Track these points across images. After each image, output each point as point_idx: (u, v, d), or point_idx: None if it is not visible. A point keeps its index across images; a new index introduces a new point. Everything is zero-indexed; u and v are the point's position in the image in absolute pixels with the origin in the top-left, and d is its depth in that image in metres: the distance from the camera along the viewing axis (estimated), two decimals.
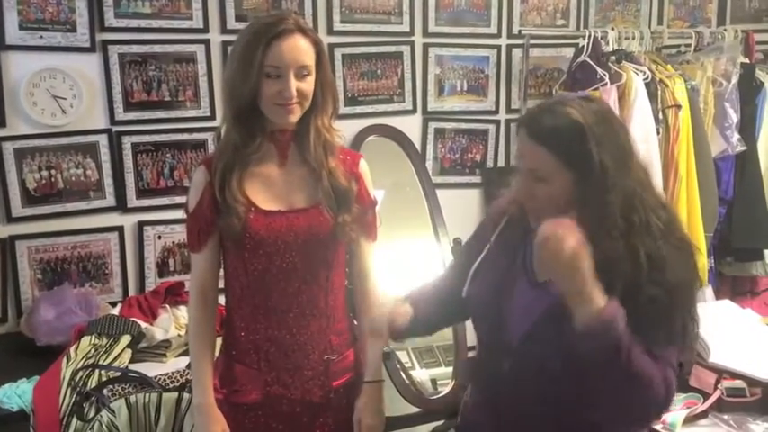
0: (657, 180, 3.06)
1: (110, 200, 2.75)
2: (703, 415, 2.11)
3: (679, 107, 3.06)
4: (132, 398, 1.93)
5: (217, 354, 1.79)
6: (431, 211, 3.27)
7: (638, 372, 1.30)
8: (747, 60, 3.33)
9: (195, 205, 1.70)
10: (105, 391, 2.08)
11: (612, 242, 1.34)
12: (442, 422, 2.25)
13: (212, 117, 2.81)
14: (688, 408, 2.11)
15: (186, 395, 1.98)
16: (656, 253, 1.36)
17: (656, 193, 1.49)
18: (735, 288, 3.41)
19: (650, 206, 1.41)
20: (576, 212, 1.36)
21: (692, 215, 3.15)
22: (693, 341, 1.51)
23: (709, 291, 2.91)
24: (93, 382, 2.10)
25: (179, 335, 2.42)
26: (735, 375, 2.12)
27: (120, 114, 2.73)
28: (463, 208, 3.37)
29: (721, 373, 2.14)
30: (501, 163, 3.41)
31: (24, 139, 2.61)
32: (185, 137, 2.82)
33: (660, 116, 3.08)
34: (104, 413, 1.91)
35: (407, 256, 3.11)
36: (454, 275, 1.69)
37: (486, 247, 1.58)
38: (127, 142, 2.75)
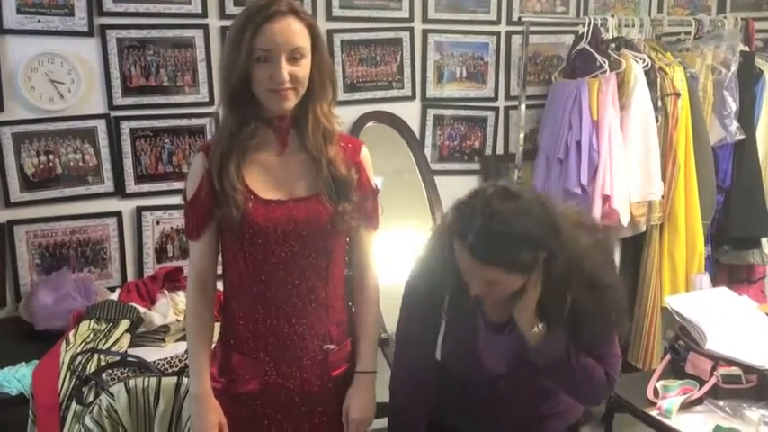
0: (655, 168, 3.07)
1: (108, 185, 2.75)
2: (699, 401, 2.12)
3: (678, 95, 3.06)
4: (131, 382, 1.94)
5: (215, 341, 1.78)
6: (429, 198, 3.28)
7: (583, 371, 1.63)
8: (747, 48, 3.33)
9: (193, 193, 1.67)
10: (104, 375, 2.09)
11: (561, 299, 1.56)
12: None
13: (211, 102, 2.81)
14: (684, 394, 2.12)
15: (185, 380, 1.98)
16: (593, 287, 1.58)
17: (581, 222, 1.68)
18: (732, 276, 3.43)
19: (581, 253, 1.56)
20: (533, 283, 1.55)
21: (690, 203, 3.16)
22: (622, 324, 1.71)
23: (705, 278, 2.93)
24: (92, 367, 2.11)
25: (177, 320, 2.42)
26: (731, 362, 2.12)
27: (119, 99, 2.72)
28: (462, 195, 3.36)
29: (717, 360, 2.15)
30: (500, 150, 3.41)
31: (22, 123, 2.60)
32: (184, 122, 2.82)
33: (659, 104, 3.08)
34: (104, 397, 1.92)
35: (405, 243, 3.11)
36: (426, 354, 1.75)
37: (443, 322, 1.69)
38: (125, 127, 2.74)
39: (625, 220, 3.04)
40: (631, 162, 3.03)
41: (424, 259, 1.72)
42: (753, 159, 3.32)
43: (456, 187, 3.31)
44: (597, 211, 3.00)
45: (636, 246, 3.23)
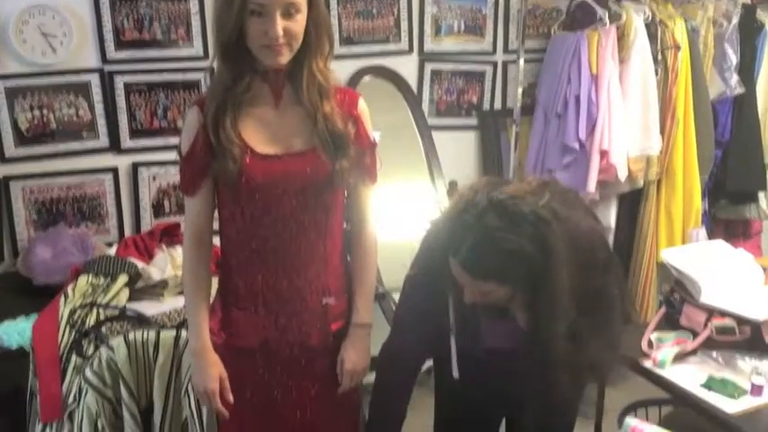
0: (654, 122, 3.05)
1: (103, 140, 2.73)
2: (693, 353, 2.14)
3: (678, 48, 3.03)
4: (131, 335, 1.95)
5: (213, 295, 1.79)
6: (426, 154, 3.26)
7: None
8: (749, 1, 3.28)
9: (189, 147, 1.65)
10: (104, 329, 2.10)
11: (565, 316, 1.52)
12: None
13: (205, 56, 2.77)
14: (678, 346, 2.15)
15: (184, 333, 2.00)
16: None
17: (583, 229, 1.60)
18: (728, 231, 3.44)
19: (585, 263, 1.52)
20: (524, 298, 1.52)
21: (688, 158, 3.16)
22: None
23: (702, 231, 2.94)
24: (91, 321, 2.13)
25: (176, 275, 2.43)
26: (725, 314, 2.14)
27: (112, 53, 2.68)
28: (459, 150, 3.36)
29: (712, 312, 2.16)
30: (497, 105, 3.39)
31: (15, 78, 2.57)
32: (179, 77, 2.79)
33: (659, 57, 3.04)
34: (103, 350, 1.94)
35: (403, 198, 3.11)
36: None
37: (452, 335, 1.70)
38: (119, 82, 2.71)
39: (622, 176, 3.03)
40: (630, 116, 3.01)
41: (424, 261, 1.70)
42: (752, 114, 3.30)
43: (453, 143, 3.35)
44: (595, 165, 2.99)
45: (633, 201, 3.23)
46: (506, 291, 1.51)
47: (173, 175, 2.80)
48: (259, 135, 1.65)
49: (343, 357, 1.75)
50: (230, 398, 1.71)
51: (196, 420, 1.96)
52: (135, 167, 2.79)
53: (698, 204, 3.16)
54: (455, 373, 1.69)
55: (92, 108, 2.69)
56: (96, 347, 2.00)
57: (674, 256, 2.38)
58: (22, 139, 2.61)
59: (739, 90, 3.21)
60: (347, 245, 1.81)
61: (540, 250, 1.43)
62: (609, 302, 1.64)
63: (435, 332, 1.72)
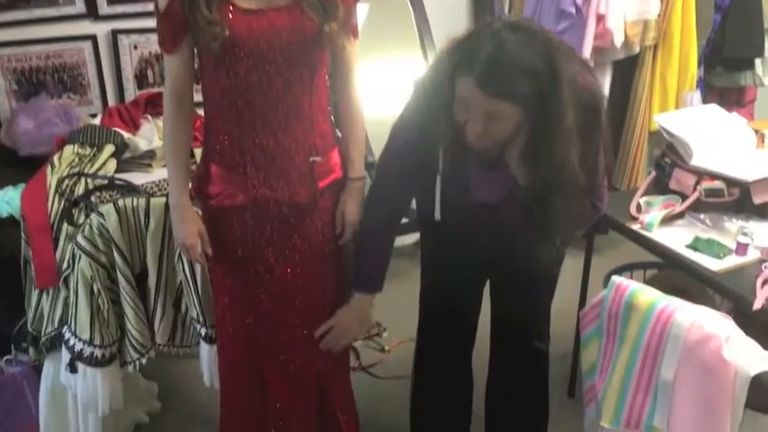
0: None
1: (80, 6, 2.62)
2: (680, 215, 2.17)
3: None
4: (120, 202, 1.94)
5: (198, 160, 1.79)
6: (418, 26, 3.17)
7: None
8: None
9: (166, 2, 1.59)
10: (93, 198, 2.09)
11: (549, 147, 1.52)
12: None
13: None
14: (666, 209, 2.17)
15: None
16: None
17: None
18: (722, 99, 3.39)
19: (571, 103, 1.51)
20: (524, 132, 1.52)
21: (687, 22, 3.07)
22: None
23: (696, 95, 2.90)
24: (79, 190, 2.11)
25: (163, 145, 2.39)
26: (714, 177, 2.15)
27: None
28: (451, 21, 3.25)
29: (701, 174, 2.17)
30: None
31: None
32: None
33: None
34: (94, 217, 1.93)
35: (393, 73, 3.04)
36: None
37: (438, 177, 1.68)
38: None
39: (619, 41, 2.96)
40: None
41: (414, 108, 1.69)
42: None
43: (445, 13, 3.23)
44: (591, 31, 2.90)
45: (627, 69, 3.17)
46: (515, 114, 1.47)
47: (154, 44, 2.70)
48: None
49: (345, 210, 1.80)
50: (209, 251, 1.77)
51: (191, 284, 1.99)
52: (114, 35, 2.69)
53: (693, 70, 3.11)
54: (437, 215, 1.71)
55: None
56: (87, 215, 2.00)
57: (667, 119, 2.36)
58: None
59: None
60: (332, 102, 1.80)
61: (549, 69, 1.44)
62: (597, 148, 1.65)
63: (421, 176, 1.72)
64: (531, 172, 1.56)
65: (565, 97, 1.47)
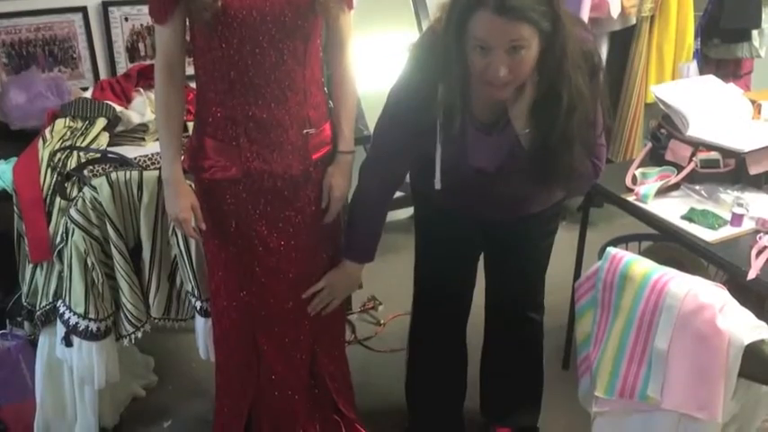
0: None
1: None
2: (676, 187, 2.16)
3: None
4: (113, 175, 1.93)
5: (191, 133, 1.77)
6: (413, 1, 3.13)
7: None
8: None
9: None
10: (85, 171, 2.08)
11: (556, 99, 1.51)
12: None
13: None
14: (662, 180, 2.16)
15: None
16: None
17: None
18: (719, 72, 3.35)
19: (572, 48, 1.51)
20: (531, 83, 1.51)
21: None
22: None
23: (693, 65, 2.88)
24: (72, 164, 2.09)
25: (155, 118, 2.37)
26: (710, 147, 2.14)
27: None
28: None
29: (697, 145, 2.16)
30: None
31: None
32: None
33: None
34: (86, 190, 1.92)
35: (388, 49, 3.01)
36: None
37: (438, 147, 1.64)
38: None
39: (615, 12, 2.93)
40: None
41: (410, 73, 1.65)
42: None
43: None
44: (587, 2, 2.87)
45: (624, 40, 3.15)
46: (535, 42, 1.45)
47: (145, 16, 2.66)
48: None
49: (331, 184, 1.78)
50: (202, 225, 1.76)
51: (185, 257, 1.98)
52: (105, 6, 2.64)
53: (690, 41, 3.09)
54: (437, 184, 1.68)
55: None
56: (80, 189, 1.98)
57: (663, 90, 2.35)
58: None
59: None
60: (325, 74, 1.78)
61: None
62: (596, 103, 1.63)
63: (418, 144, 1.70)
64: (535, 127, 1.54)
65: (567, 34, 1.47)
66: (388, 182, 1.82)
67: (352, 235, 1.87)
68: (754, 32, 3.26)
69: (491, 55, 1.45)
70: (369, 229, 1.85)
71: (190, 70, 1.73)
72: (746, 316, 1.51)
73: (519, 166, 1.64)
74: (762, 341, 1.47)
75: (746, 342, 1.46)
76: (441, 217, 1.88)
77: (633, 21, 3.04)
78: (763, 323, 1.50)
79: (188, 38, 1.70)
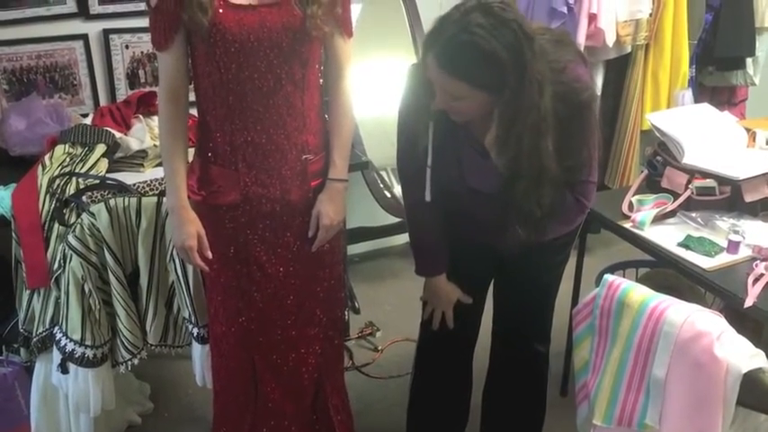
0: None
1: (71, 5, 2.60)
2: (672, 214, 2.17)
3: None
4: (111, 202, 1.93)
5: (191, 159, 1.77)
6: (411, 27, 3.16)
7: None
8: None
9: None
10: (84, 197, 2.08)
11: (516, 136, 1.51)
12: None
13: None
14: (658, 207, 2.17)
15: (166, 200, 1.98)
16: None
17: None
18: (713, 99, 3.40)
19: (541, 104, 1.49)
20: (497, 112, 1.50)
21: (678, 21, 3.08)
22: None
23: (688, 93, 2.91)
24: (70, 190, 2.10)
25: (155, 145, 2.39)
26: (706, 175, 2.15)
27: None
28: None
29: (693, 173, 2.18)
30: None
31: None
32: None
33: None
34: (85, 216, 1.92)
35: (387, 74, 3.03)
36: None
37: (429, 148, 1.66)
38: None
39: (610, 41, 2.96)
40: None
41: (408, 87, 1.70)
42: None
43: (438, 12, 3.22)
44: (582, 31, 2.91)
45: (619, 68, 3.18)
46: (478, 97, 1.47)
47: (146, 43, 2.69)
48: None
49: (320, 211, 1.77)
50: (209, 254, 1.74)
51: (183, 283, 1.98)
52: (106, 34, 2.67)
53: (685, 69, 3.12)
54: (427, 196, 1.70)
55: None
56: (78, 215, 1.99)
57: (659, 118, 2.37)
58: None
59: None
60: (325, 101, 1.79)
61: (514, 62, 1.43)
62: (583, 141, 1.63)
63: (421, 158, 1.71)
64: (503, 158, 1.55)
65: (533, 89, 1.45)
66: (424, 190, 1.76)
67: (419, 248, 1.88)
68: (749, 60, 3.30)
69: (436, 89, 1.52)
70: (433, 246, 1.86)
71: (191, 97, 1.74)
72: (744, 344, 1.51)
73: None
74: (760, 369, 1.46)
75: (744, 370, 1.45)
76: (451, 243, 1.87)
77: (628, 49, 3.07)
78: (760, 351, 1.50)
79: (190, 65, 1.71)
